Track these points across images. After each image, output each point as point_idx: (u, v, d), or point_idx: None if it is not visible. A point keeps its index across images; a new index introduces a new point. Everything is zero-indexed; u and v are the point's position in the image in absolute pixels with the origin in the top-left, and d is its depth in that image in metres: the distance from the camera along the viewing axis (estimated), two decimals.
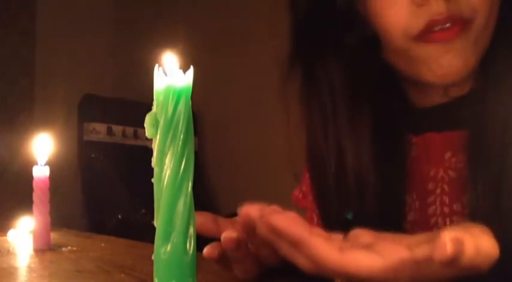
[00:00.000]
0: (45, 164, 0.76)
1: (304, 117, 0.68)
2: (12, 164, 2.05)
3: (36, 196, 0.74)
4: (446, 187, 0.63)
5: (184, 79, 0.38)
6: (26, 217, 0.84)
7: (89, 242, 0.84)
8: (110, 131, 2.45)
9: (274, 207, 0.41)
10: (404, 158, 0.66)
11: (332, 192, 0.65)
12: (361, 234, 0.42)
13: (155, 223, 0.39)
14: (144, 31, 2.48)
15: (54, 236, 0.78)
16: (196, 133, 0.37)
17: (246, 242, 0.46)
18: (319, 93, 0.66)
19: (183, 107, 0.38)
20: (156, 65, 0.39)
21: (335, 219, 0.65)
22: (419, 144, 0.65)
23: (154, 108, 0.39)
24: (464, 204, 0.60)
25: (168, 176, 0.38)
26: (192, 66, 0.39)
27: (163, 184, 0.38)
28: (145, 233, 0.56)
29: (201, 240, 0.44)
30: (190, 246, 0.38)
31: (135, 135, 2.50)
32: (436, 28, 0.56)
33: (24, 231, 0.85)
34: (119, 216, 2.25)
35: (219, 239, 0.47)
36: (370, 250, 0.38)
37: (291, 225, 0.37)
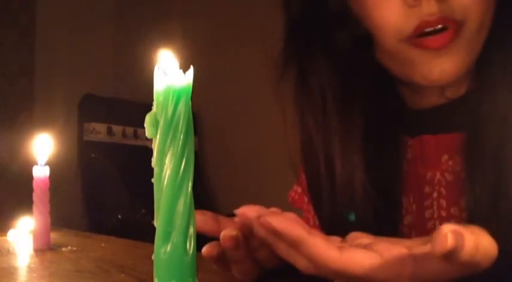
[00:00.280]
0: (45, 164, 0.76)
1: (298, 117, 0.68)
2: (12, 164, 2.05)
3: (36, 196, 0.74)
4: (443, 190, 0.62)
5: (184, 79, 0.38)
6: (26, 217, 0.84)
7: (89, 242, 0.84)
8: (110, 131, 2.45)
9: (273, 209, 0.41)
10: (399, 160, 0.65)
11: (324, 194, 0.65)
12: (359, 236, 0.42)
13: (155, 223, 0.39)
14: (144, 31, 2.48)
15: (54, 236, 0.78)
16: (196, 133, 0.38)
17: (245, 242, 0.46)
18: (311, 93, 0.66)
19: (183, 107, 0.38)
20: (156, 65, 0.39)
21: (330, 221, 0.65)
22: (415, 147, 0.65)
23: (154, 108, 0.39)
24: (461, 208, 0.60)
25: (168, 176, 0.38)
26: (192, 66, 0.39)
27: (163, 184, 0.38)
28: (145, 233, 0.56)
29: (201, 240, 0.44)
30: (190, 246, 0.38)
31: (135, 135, 2.50)
32: (428, 29, 0.56)
33: (24, 231, 0.85)
34: (119, 216, 2.25)
35: (218, 239, 0.47)
36: (369, 249, 0.38)
37: (290, 226, 0.37)
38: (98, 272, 0.58)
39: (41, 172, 0.75)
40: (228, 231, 0.45)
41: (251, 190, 2.14)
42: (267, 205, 0.44)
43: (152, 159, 0.39)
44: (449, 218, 0.61)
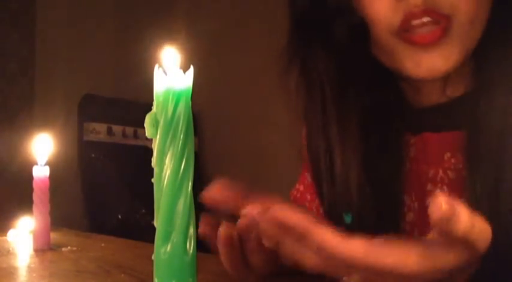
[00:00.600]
0: (45, 164, 0.76)
1: (301, 111, 0.68)
2: (12, 164, 2.05)
3: (36, 196, 0.74)
4: (445, 188, 0.62)
5: (184, 79, 0.38)
6: (26, 217, 0.84)
7: (89, 242, 0.84)
8: (110, 131, 2.45)
9: (280, 205, 0.41)
10: (401, 157, 0.65)
11: (324, 190, 0.66)
12: None
13: (155, 223, 0.39)
14: (144, 31, 2.48)
15: (54, 236, 0.78)
16: (196, 133, 0.37)
17: (240, 244, 0.45)
18: (311, 87, 0.67)
19: (183, 107, 0.38)
20: (156, 65, 0.39)
21: (330, 219, 0.65)
22: (418, 145, 0.65)
23: (154, 108, 0.40)
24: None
25: (168, 176, 0.38)
26: (192, 66, 0.39)
27: (163, 184, 0.38)
28: (145, 233, 0.56)
29: (201, 240, 0.44)
30: (190, 246, 0.38)
31: (135, 135, 2.50)
32: (415, 22, 0.56)
33: (24, 231, 0.85)
34: (119, 216, 2.25)
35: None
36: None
37: (297, 218, 0.37)
38: (98, 272, 0.58)
39: (41, 172, 0.75)
40: (226, 230, 0.44)
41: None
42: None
43: (152, 159, 0.39)
44: None
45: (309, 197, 0.75)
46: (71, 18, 2.54)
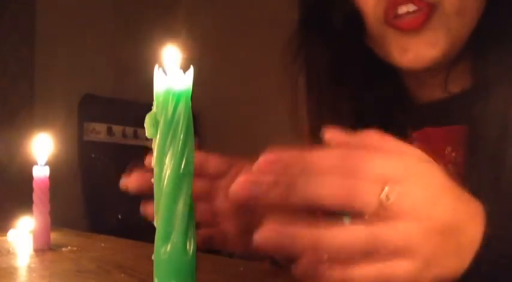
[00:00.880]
0: (45, 164, 0.76)
1: (306, 100, 0.69)
2: (12, 164, 2.05)
3: (36, 196, 0.74)
4: None
5: (184, 79, 0.38)
6: (26, 217, 0.84)
7: (89, 242, 0.84)
8: (110, 131, 2.45)
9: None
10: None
11: None
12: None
13: (155, 223, 0.39)
14: (144, 31, 2.48)
15: (54, 236, 0.78)
16: (196, 133, 0.38)
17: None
18: (311, 75, 0.68)
19: (183, 107, 0.38)
20: (156, 65, 0.39)
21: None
22: (419, 139, 0.66)
23: (154, 108, 0.39)
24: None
25: (168, 176, 0.38)
26: (192, 66, 0.39)
27: (163, 184, 0.38)
28: (145, 233, 0.56)
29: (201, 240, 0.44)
30: (190, 246, 0.38)
31: (135, 135, 2.50)
32: (401, 11, 0.57)
33: (24, 231, 0.85)
34: (119, 216, 2.25)
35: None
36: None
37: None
38: (98, 272, 0.58)
39: (41, 172, 0.75)
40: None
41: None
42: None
43: (152, 159, 0.39)
44: None
45: None
46: (70, 19, 2.54)
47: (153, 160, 0.39)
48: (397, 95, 0.68)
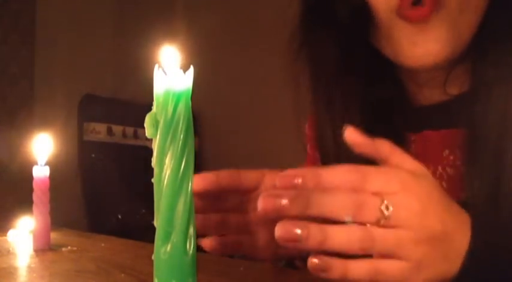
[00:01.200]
0: (45, 164, 0.76)
1: (309, 99, 0.70)
2: (12, 164, 2.05)
3: (36, 196, 0.74)
4: (444, 184, 0.63)
5: (184, 79, 0.38)
6: (26, 217, 0.84)
7: (89, 242, 0.84)
8: (110, 131, 2.45)
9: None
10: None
11: None
12: None
13: (155, 223, 0.39)
14: (144, 31, 2.48)
15: (54, 236, 0.78)
16: (196, 133, 0.38)
17: None
18: (318, 72, 0.68)
19: (183, 107, 0.38)
20: (156, 65, 0.39)
21: None
22: (418, 142, 0.66)
23: (154, 108, 0.40)
24: (462, 202, 0.61)
25: (168, 176, 0.38)
26: (192, 66, 0.39)
27: (163, 184, 0.38)
28: (145, 233, 0.56)
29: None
30: (190, 246, 0.38)
31: (135, 135, 2.49)
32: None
33: (24, 231, 0.85)
34: (119, 216, 2.25)
35: None
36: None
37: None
38: (98, 272, 0.58)
39: (41, 172, 0.75)
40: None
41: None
42: None
43: (152, 159, 0.39)
44: None
45: None
46: (71, 19, 2.54)
47: (153, 160, 0.39)
48: (397, 98, 0.68)
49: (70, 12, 2.55)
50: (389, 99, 0.68)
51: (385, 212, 0.40)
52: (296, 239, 0.39)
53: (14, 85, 2.42)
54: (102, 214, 2.30)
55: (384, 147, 0.45)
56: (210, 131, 2.44)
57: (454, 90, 0.63)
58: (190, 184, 0.38)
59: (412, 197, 0.41)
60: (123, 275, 0.56)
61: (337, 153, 0.66)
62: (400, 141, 0.67)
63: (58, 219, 0.80)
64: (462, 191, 0.60)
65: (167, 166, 0.38)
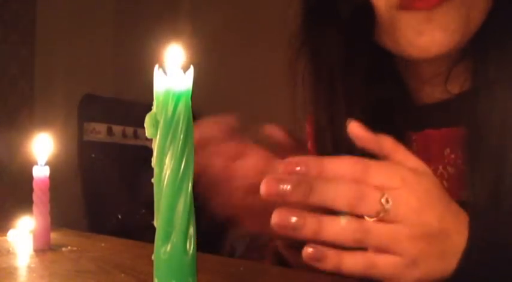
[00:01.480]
0: (45, 164, 0.76)
1: (309, 97, 0.70)
2: (12, 164, 2.05)
3: (36, 196, 0.74)
4: (445, 183, 0.63)
5: (184, 79, 0.38)
6: (26, 217, 0.84)
7: (89, 242, 0.84)
8: (110, 131, 2.45)
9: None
10: None
11: None
12: None
13: (155, 223, 0.39)
14: (144, 31, 2.48)
15: (54, 236, 0.78)
16: None
17: None
18: (320, 71, 0.67)
19: (183, 107, 0.38)
20: (156, 65, 0.39)
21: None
22: (419, 141, 0.66)
23: (154, 108, 0.39)
24: (463, 200, 0.61)
25: (168, 176, 0.38)
26: (192, 66, 0.39)
27: (163, 184, 0.38)
28: (145, 233, 0.56)
29: (201, 240, 0.44)
30: (190, 246, 0.38)
31: (135, 135, 2.49)
32: None
33: (24, 231, 0.85)
34: (119, 216, 2.25)
35: None
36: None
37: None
38: (98, 272, 0.58)
39: (41, 172, 0.75)
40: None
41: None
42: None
43: (152, 159, 0.39)
44: None
45: None
46: (71, 19, 2.54)
47: (153, 160, 0.39)
48: (398, 97, 0.68)
49: (70, 12, 2.55)
50: (391, 98, 0.68)
51: (385, 206, 0.40)
52: (292, 227, 0.39)
53: (14, 85, 2.42)
54: (102, 214, 2.30)
55: (386, 143, 0.46)
56: None
57: (455, 88, 0.63)
58: (190, 184, 0.38)
59: (411, 193, 0.41)
60: (123, 275, 0.56)
61: (336, 153, 0.66)
62: (401, 140, 0.67)
63: (58, 219, 0.80)
64: (463, 189, 0.60)
65: (167, 166, 0.38)
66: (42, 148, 0.77)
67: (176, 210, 0.38)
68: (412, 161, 0.45)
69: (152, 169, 0.39)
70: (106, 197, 2.34)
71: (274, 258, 0.65)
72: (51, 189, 0.75)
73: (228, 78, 2.35)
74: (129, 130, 2.49)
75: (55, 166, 0.77)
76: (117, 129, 2.47)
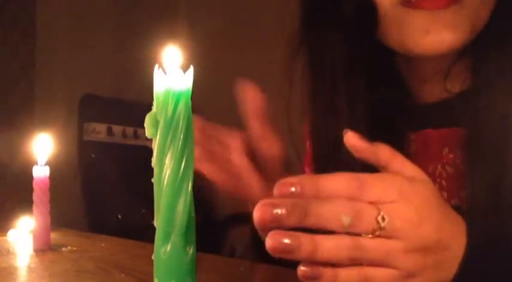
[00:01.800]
0: (45, 164, 0.76)
1: (307, 98, 0.69)
2: (13, 164, 2.05)
3: (36, 196, 0.74)
4: (444, 183, 0.63)
5: (184, 79, 0.38)
6: (26, 217, 0.84)
7: (89, 242, 0.84)
8: (110, 131, 2.44)
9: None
10: (402, 154, 0.66)
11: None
12: None
13: (155, 223, 0.39)
14: (144, 31, 2.48)
15: (54, 236, 0.78)
16: None
17: None
18: (321, 71, 0.67)
19: (183, 107, 0.38)
20: (156, 65, 0.39)
21: None
22: (418, 141, 0.66)
23: (154, 108, 0.39)
24: (462, 199, 0.61)
25: (168, 176, 0.38)
26: (191, 66, 0.39)
27: (163, 184, 0.38)
28: (145, 233, 0.56)
29: (201, 240, 0.44)
30: (190, 246, 0.38)
31: (135, 135, 2.49)
32: None
33: (24, 231, 0.85)
34: (119, 216, 2.25)
35: None
36: None
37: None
38: (98, 272, 0.58)
39: (41, 172, 0.75)
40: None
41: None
42: None
43: (152, 159, 0.39)
44: None
45: None
46: (71, 19, 2.54)
47: (153, 160, 0.39)
48: (398, 97, 0.68)
49: (70, 12, 2.55)
50: (391, 98, 0.67)
51: (381, 223, 0.40)
52: (288, 250, 0.38)
53: (14, 85, 2.42)
54: (102, 214, 2.29)
55: (383, 152, 0.45)
56: None
57: (455, 87, 0.63)
58: (190, 184, 0.38)
59: (408, 206, 0.41)
60: (123, 275, 0.56)
61: (334, 156, 0.65)
62: (401, 140, 0.66)
63: (58, 219, 0.80)
64: (462, 189, 0.60)
65: (167, 166, 0.38)
66: (42, 148, 0.77)
67: (176, 210, 0.38)
68: (409, 169, 0.45)
69: (152, 169, 0.39)
70: (106, 197, 2.34)
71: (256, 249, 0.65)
72: (51, 189, 0.75)
73: (228, 78, 2.35)
74: (129, 130, 2.49)
75: (55, 166, 0.77)
76: (117, 129, 2.47)
